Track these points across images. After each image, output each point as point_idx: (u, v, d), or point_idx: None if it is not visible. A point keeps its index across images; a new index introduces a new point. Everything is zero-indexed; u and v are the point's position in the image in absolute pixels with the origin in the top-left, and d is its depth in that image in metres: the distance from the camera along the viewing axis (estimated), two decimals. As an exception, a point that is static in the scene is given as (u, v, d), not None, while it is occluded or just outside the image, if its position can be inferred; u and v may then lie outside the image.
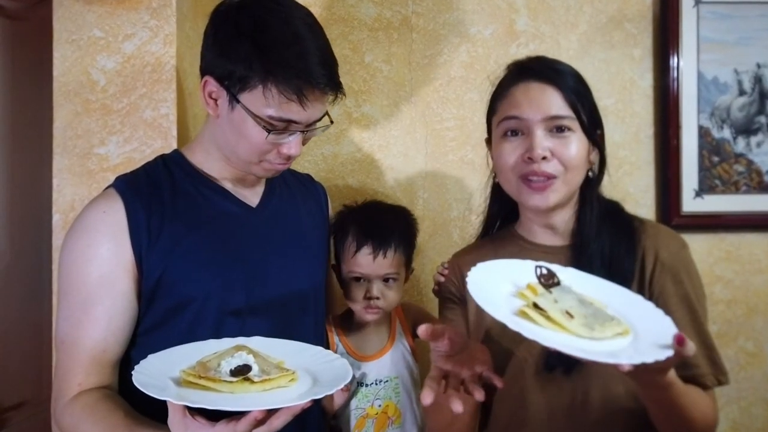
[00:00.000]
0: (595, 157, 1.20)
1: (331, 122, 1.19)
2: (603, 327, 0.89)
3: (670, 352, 0.85)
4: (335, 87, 1.13)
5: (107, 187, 1.18)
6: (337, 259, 1.45)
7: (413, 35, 1.82)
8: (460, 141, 1.81)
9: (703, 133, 1.82)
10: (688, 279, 1.14)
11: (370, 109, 1.81)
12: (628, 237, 1.16)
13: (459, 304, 1.27)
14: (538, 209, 1.16)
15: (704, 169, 1.82)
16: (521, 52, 1.79)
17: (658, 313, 0.96)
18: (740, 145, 1.83)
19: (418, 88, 1.81)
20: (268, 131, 1.09)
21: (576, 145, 1.13)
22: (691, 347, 0.85)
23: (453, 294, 1.27)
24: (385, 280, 1.39)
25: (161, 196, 1.15)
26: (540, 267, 0.98)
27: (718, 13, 1.82)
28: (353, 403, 1.41)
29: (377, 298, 1.38)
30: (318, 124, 1.16)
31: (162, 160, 1.23)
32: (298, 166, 1.75)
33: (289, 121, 1.10)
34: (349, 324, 1.47)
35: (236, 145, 1.14)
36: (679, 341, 0.85)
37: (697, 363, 1.08)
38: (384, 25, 1.81)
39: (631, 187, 1.84)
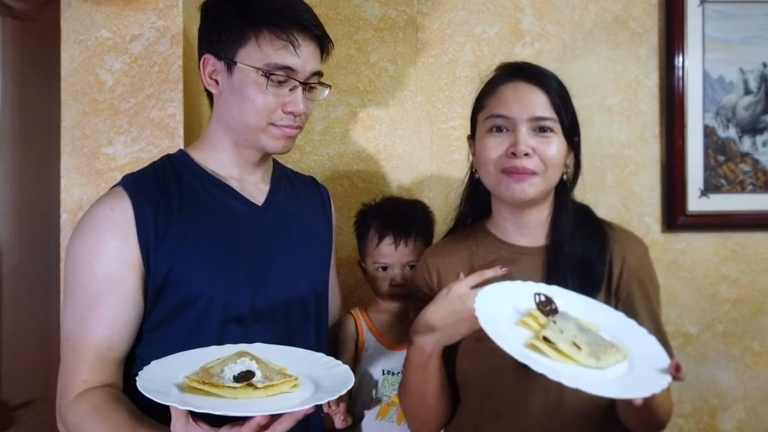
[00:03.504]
0: (570, 161, 1.24)
1: (329, 86, 1.24)
2: (606, 355, 0.93)
3: (668, 378, 0.91)
4: (322, 32, 1.18)
5: (114, 186, 1.18)
6: (362, 255, 1.54)
7: (418, 35, 1.82)
8: (465, 140, 1.81)
9: (708, 132, 1.82)
10: (650, 282, 1.22)
11: (375, 108, 1.82)
12: (599, 241, 1.21)
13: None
14: (516, 201, 1.19)
15: (710, 169, 1.82)
16: (526, 52, 1.80)
17: (642, 332, 1.02)
18: (746, 144, 1.83)
19: (424, 88, 1.82)
20: (267, 77, 1.13)
21: (556, 145, 1.18)
22: (684, 372, 0.93)
23: (424, 293, 1.27)
24: (409, 267, 1.48)
25: (168, 194, 1.16)
26: (539, 294, 1.01)
27: (724, 12, 1.81)
28: (379, 390, 1.45)
29: (402, 285, 1.47)
30: (316, 84, 1.20)
31: (168, 159, 1.24)
32: (304, 166, 1.76)
33: (286, 68, 1.13)
34: (378, 315, 1.53)
35: (242, 112, 1.16)
36: (676, 369, 0.92)
37: None
38: (389, 24, 1.82)
39: (636, 186, 1.84)
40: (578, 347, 0.92)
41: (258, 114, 1.15)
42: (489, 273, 1.17)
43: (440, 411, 1.23)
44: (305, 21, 1.15)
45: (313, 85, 1.19)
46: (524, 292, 1.03)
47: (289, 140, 1.20)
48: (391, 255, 1.47)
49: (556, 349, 0.92)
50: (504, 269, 1.18)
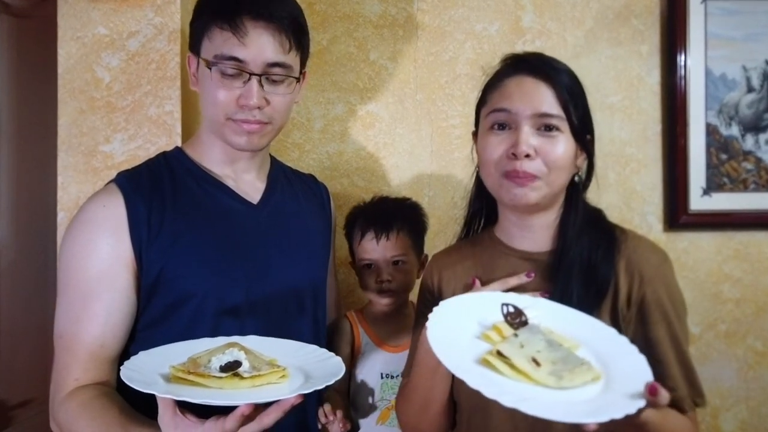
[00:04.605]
0: (582, 162, 1.16)
1: (298, 79, 1.18)
2: (572, 374, 0.84)
3: (641, 403, 0.80)
4: (284, 22, 1.12)
5: (108, 183, 1.18)
6: (351, 254, 1.52)
7: (418, 32, 1.81)
8: (466, 139, 1.78)
9: (711, 130, 1.80)
10: (668, 294, 1.09)
11: (375, 106, 1.80)
12: (608, 244, 1.12)
13: (432, 308, 1.23)
14: (517, 205, 1.11)
15: (712, 167, 1.80)
16: (527, 49, 1.76)
17: (631, 351, 0.92)
18: (749, 142, 1.82)
19: (424, 86, 1.81)
20: (209, 68, 1.11)
21: (563, 146, 1.09)
22: (664, 396, 0.82)
23: (426, 295, 1.24)
24: (395, 263, 1.46)
25: (162, 192, 1.15)
26: (507, 305, 0.94)
27: (726, 9, 1.80)
28: (378, 394, 1.43)
29: (388, 281, 1.45)
30: (282, 76, 1.14)
31: (163, 156, 1.23)
32: (303, 164, 1.75)
33: (232, 59, 1.10)
34: (373, 316, 1.51)
35: (206, 107, 1.17)
36: (651, 391, 0.81)
37: (675, 386, 1.03)
38: (389, 22, 1.80)
39: (638, 185, 1.83)
40: (538, 364, 0.84)
41: (215, 108, 1.14)
42: (513, 281, 1.09)
43: (443, 423, 1.16)
44: (258, 9, 1.10)
45: (275, 77, 1.13)
46: (493, 306, 0.95)
47: (253, 136, 1.14)
48: (374, 250, 1.45)
49: (512, 366, 0.84)
50: (531, 276, 1.10)
